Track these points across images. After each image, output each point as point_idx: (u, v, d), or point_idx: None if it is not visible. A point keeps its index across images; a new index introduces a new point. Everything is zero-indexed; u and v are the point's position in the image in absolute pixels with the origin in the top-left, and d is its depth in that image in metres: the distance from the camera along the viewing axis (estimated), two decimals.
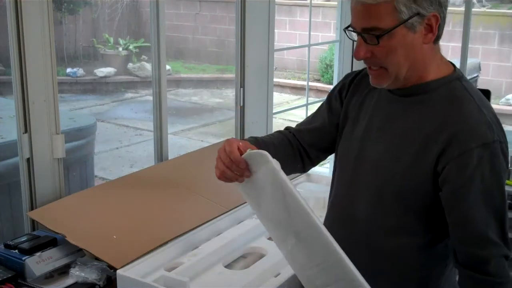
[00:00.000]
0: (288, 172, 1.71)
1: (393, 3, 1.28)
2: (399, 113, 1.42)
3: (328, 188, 1.68)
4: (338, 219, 1.55)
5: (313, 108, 1.66)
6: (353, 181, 1.50)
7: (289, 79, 9.80)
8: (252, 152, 1.34)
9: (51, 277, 1.80)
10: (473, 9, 4.39)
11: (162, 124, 2.58)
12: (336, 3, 4.68)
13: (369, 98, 1.50)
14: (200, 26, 10.81)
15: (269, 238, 1.95)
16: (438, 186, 1.35)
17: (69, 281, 1.77)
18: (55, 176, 2.14)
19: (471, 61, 6.49)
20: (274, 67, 3.21)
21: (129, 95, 9.00)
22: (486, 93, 2.62)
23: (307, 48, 3.87)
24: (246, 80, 2.90)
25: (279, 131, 1.67)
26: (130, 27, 10.48)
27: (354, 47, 1.37)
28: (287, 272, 1.73)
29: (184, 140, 6.78)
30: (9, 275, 1.73)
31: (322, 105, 1.65)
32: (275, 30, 3.06)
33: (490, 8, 9.70)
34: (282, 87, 9.18)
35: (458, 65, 3.45)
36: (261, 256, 1.89)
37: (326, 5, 9.97)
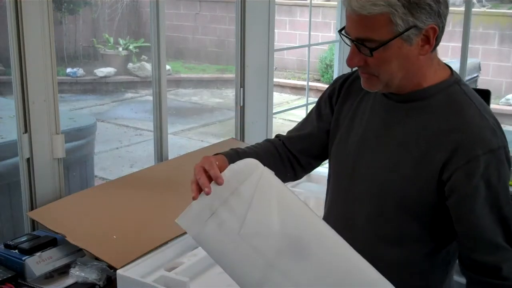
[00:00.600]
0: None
1: (389, 16, 1.23)
2: (397, 120, 1.38)
3: None
4: (336, 228, 1.47)
5: (311, 109, 1.65)
6: (351, 189, 1.46)
7: (289, 79, 9.81)
8: (234, 165, 1.27)
9: (51, 277, 1.80)
10: (473, 9, 4.39)
11: (162, 124, 2.58)
12: (336, 3, 4.68)
13: (364, 102, 1.46)
14: (200, 26, 10.81)
15: None
16: (443, 195, 1.32)
17: (69, 281, 1.77)
18: (55, 176, 2.14)
19: (471, 61, 6.49)
20: (274, 67, 3.20)
21: (129, 95, 9.00)
22: (486, 93, 2.61)
23: (307, 48, 3.87)
24: (246, 80, 2.90)
25: (268, 140, 1.64)
26: (130, 27, 10.48)
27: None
28: None
29: (184, 140, 6.79)
30: (9, 275, 1.73)
31: (311, 111, 1.61)
32: (275, 30, 3.06)
33: (490, 8, 9.70)
34: (282, 87, 9.18)
35: (458, 65, 3.46)
36: None
37: (326, 5, 9.97)
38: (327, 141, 1.55)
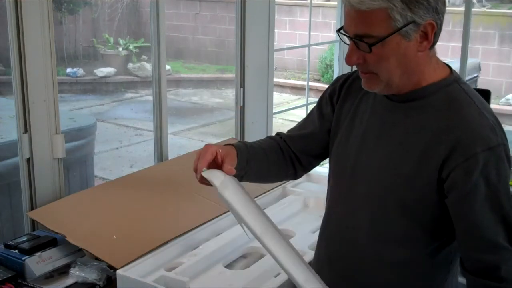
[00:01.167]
0: (279, 179, 1.70)
1: (387, 11, 1.23)
2: (397, 119, 1.38)
3: None
4: (337, 229, 1.51)
5: (311, 108, 1.65)
6: (352, 189, 1.45)
7: (289, 79, 9.80)
8: (205, 173, 1.35)
9: (51, 277, 1.80)
10: (473, 9, 4.40)
11: (162, 124, 2.58)
12: (336, 3, 4.68)
13: (364, 102, 1.46)
14: (200, 26, 10.81)
15: None
16: (443, 193, 1.32)
17: (69, 281, 1.78)
18: (55, 176, 2.14)
19: (471, 61, 6.49)
20: (274, 67, 3.20)
21: (129, 95, 9.00)
22: (486, 93, 2.61)
23: (307, 48, 3.87)
24: (246, 80, 2.90)
25: (270, 137, 1.64)
26: (130, 27, 10.48)
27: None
28: None
29: (184, 140, 6.79)
30: (9, 275, 1.73)
31: (312, 110, 1.61)
32: (275, 30, 3.06)
33: (490, 8, 9.70)
34: (282, 87, 9.18)
35: (458, 65, 3.45)
36: (261, 256, 1.88)
37: (326, 5, 9.97)
38: (328, 140, 1.55)
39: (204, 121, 7.69)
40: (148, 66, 8.93)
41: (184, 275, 1.70)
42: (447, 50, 7.99)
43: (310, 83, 5.36)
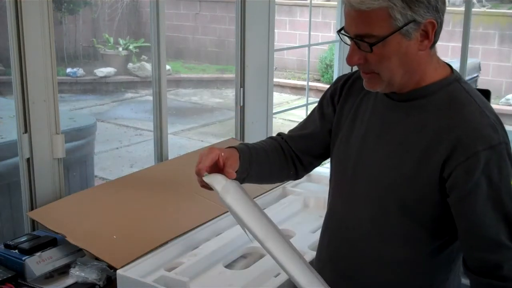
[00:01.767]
0: (280, 180, 1.71)
1: (388, 10, 1.23)
2: (398, 119, 1.38)
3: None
4: (338, 229, 1.52)
5: (313, 108, 1.66)
6: (353, 189, 1.46)
7: (289, 79, 9.80)
8: (206, 178, 1.38)
9: (51, 277, 1.80)
10: (473, 9, 4.40)
11: (162, 124, 2.58)
12: (336, 3, 4.68)
13: (365, 102, 1.46)
14: (200, 26, 10.81)
15: None
16: (445, 193, 1.32)
17: (69, 281, 1.78)
18: (55, 176, 2.14)
19: (471, 61, 6.49)
20: (274, 67, 3.20)
21: (129, 95, 9.00)
22: (486, 93, 2.61)
23: (307, 48, 3.87)
24: (246, 80, 2.90)
25: (271, 137, 1.64)
26: (130, 27, 10.48)
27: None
28: None
29: (184, 140, 6.78)
30: (9, 275, 1.73)
31: (313, 110, 1.61)
32: (275, 30, 3.06)
33: (490, 8, 9.70)
34: (282, 87, 9.18)
35: (458, 65, 3.45)
36: (261, 256, 1.88)
37: (326, 5, 9.97)
38: (329, 141, 1.55)
39: (204, 121, 7.69)
40: (148, 66, 8.92)
41: (184, 275, 1.70)
42: (447, 50, 7.98)
43: (310, 83, 5.36)
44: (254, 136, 2.96)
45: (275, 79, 3.21)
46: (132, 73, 9.55)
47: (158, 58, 2.54)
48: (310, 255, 1.79)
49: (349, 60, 1.33)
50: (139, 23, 10.53)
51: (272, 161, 1.53)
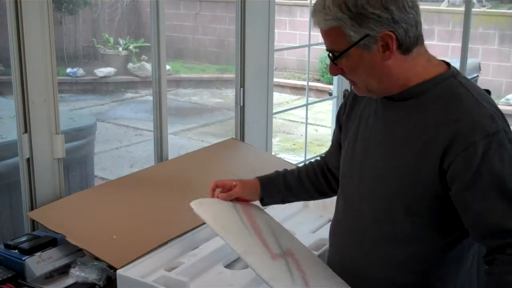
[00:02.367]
0: (321, 196, 1.81)
1: (340, 28, 1.31)
2: (397, 118, 1.41)
3: None
4: (345, 231, 1.54)
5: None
6: (358, 191, 1.49)
7: (289, 79, 9.80)
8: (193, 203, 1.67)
9: (51, 277, 1.80)
10: (473, 9, 4.40)
11: (162, 124, 2.58)
12: None
13: (368, 107, 1.50)
14: (200, 26, 10.81)
15: None
16: (446, 186, 1.33)
17: (69, 281, 1.77)
18: (55, 176, 2.14)
19: (471, 61, 6.48)
20: (274, 67, 3.20)
21: (129, 95, 9.00)
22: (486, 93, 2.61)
23: (307, 48, 3.87)
24: (246, 80, 2.90)
25: (312, 162, 1.79)
26: (130, 27, 10.48)
27: None
28: None
29: (184, 140, 6.79)
30: (9, 275, 1.73)
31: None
32: (275, 30, 3.06)
33: (490, 8, 9.70)
34: (282, 87, 9.18)
35: (458, 65, 3.45)
36: None
37: None
38: None
39: (204, 121, 7.70)
40: (148, 66, 8.93)
41: (184, 275, 1.70)
42: (447, 50, 7.99)
43: (310, 83, 5.37)
44: (254, 136, 2.96)
45: (275, 79, 3.21)
46: (132, 73, 9.56)
47: (158, 58, 2.54)
48: None
49: (330, 71, 1.45)
50: (139, 23, 10.54)
51: (304, 183, 1.72)
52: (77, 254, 1.86)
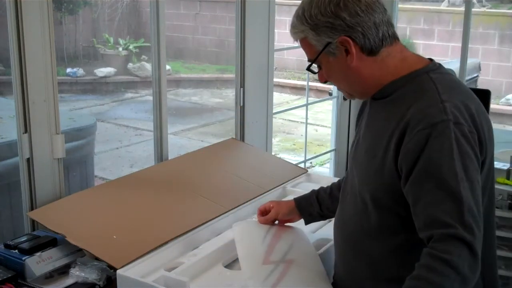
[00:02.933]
0: None
1: (307, 39, 1.44)
2: (375, 116, 1.48)
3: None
4: (337, 226, 1.61)
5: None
6: (346, 186, 1.57)
7: (289, 79, 9.81)
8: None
9: (51, 277, 1.80)
10: (473, 9, 4.39)
11: (162, 124, 2.58)
12: None
13: (366, 111, 1.57)
14: (200, 26, 10.81)
15: None
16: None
17: (69, 281, 1.77)
18: (55, 176, 2.14)
19: (471, 61, 6.49)
20: (274, 67, 3.20)
21: (129, 95, 9.00)
22: (486, 93, 2.62)
23: None
24: (246, 80, 2.90)
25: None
26: (130, 27, 10.48)
27: None
28: None
29: (184, 140, 6.79)
30: (9, 275, 1.73)
31: None
32: (275, 30, 3.06)
33: (490, 8, 9.70)
34: (282, 87, 9.18)
35: (458, 65, 3.45)
36: None
37: None
38: None
39: (204, 121, 7.70)
40: (148, 66, 8.93)
41: (184, 275, 1.70)
42: (447, 50, 7.99)
43: (310, 83, 5.35)
44: (254, 136, 2.96)
45: (275, 79, 3.21)
46: (132, 73, 9.56)
47: (158, 58, 2.54)
48: None
49: (318, 77, 1.53)
50: (139, 23, 10.54)
51: (338, 195, 1.73)
52: (77, 254, 1.86)
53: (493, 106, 7.08)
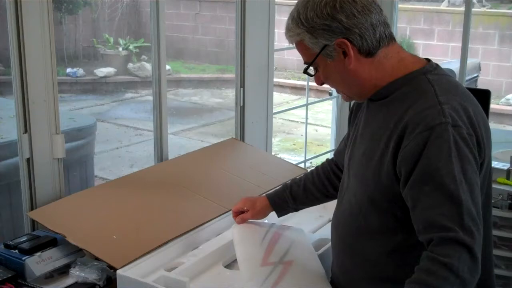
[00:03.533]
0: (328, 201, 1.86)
1: (303, 42, 1.42)
2: (372, 117, 1.47)
3: None
4: (332, 226, 1.61)
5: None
6: (343, 188, 1.57)
7: (289, 79, 9.80)
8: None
9: (51, 277, 1.80)
10: (473, 9, 4.39)
11: (162, 124, 2.58)
12: None
13: (361, 112, 1.56)
14: (200, 26, 10.81)
15: None
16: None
17: (69, 281, 1.77)
18: (55, 176, 2.14)
19: (471, 61, 6.49)
20: (274, 67, 3.20)
21: (129, 95, 9.00)
22: (486, 93, 2.61)
23: None
24: (246, 80, 2.90)
25: (318, 166, 1.85)
26: (130, 27, 10.48)
27: None
28: None
29: (184, 140, 6.79)
30: (9, 275, 1.73)
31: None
32: (275, 30, 3.06)
33: (490, 8, 9.70)
34: (282, 87, 9.18)
35: (458, 65, 3.44)
36: None
37: None
38: None
39: (204, 121, 7.70)
40: (148, 66, 8.93)
41: (184, 275, 1.70)
42: (447, 50, 7.99)
43: (310, 83, 5.36)
44: (254, 136, 2.96)
45: (275, 79, 3.22)
46: (132, 73, 9.55)
47: (158, 58, 2.54)
48: None
49: (315, 81, 1.51)
50: (139, 23, 10.53)
51: (312, 192, 1.80)
52: (77, 254, 1.86)
53: (493, 106, 7.09)
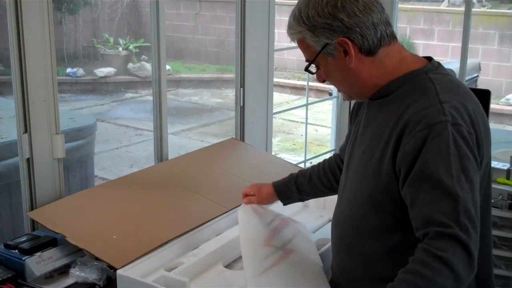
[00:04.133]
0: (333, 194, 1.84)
1: (304, 40, 1.43)
2: (373, 116, 1.47)
3: None
4: (332, 225, 1.62)
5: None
6: (343, 187, 1.57)
7: (289, 79, 9.81)
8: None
9: (51, 277, 1.80)
10: (473, 9, 4.39)
11: (162, 124, 2.58)
12: None
13: (362, 111, 1.56)
14: (200, 26, 10.81)
15: None
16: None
17: (69, 281, 1.77)
18: (55, 176, 2.14)
19: (471, 61, 6.49)
20: (274, 67, 3.20)
21: (129, 95, 9.00)
22: (486, 93, 2.61)
23: None
24: (246, 80, 2.90)
25: (325, 160, 1.89)
26: (130, 27, 10.48)
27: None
28: None
29: (184, 140, 6.79)
30: (9, 275, 1.73)
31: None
32: (275, 30, 3.06)
33: (490, 8, 9.70)
34: (282, 87, 9.18)
35: (458, 65, 3.44)
36: None
37: None
38: None
39: (204, 121, 7.70)
40: (148, 66, 8.93)
41: (184, 275, 1.70)
42: (447, 50, 7.99)
43: (310, 83, 5.36)
44: (254, 136, 2.96)
45: (275, 79, 3.22)
46: (132, 73, 9.56)
47: (158, 58, 2.54)
48: None
49: (316, 78, 1.52)
50: (139, 23, 10.54)
51: (316, 185, 1.83)
52: (77, 254, 1.86)
53: (493, 106, 7.09)
